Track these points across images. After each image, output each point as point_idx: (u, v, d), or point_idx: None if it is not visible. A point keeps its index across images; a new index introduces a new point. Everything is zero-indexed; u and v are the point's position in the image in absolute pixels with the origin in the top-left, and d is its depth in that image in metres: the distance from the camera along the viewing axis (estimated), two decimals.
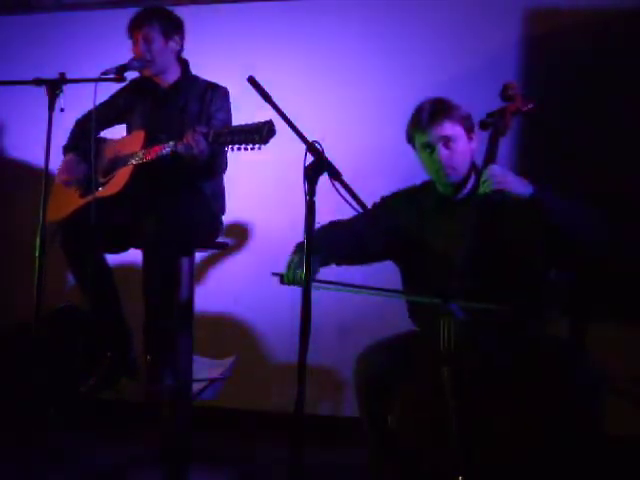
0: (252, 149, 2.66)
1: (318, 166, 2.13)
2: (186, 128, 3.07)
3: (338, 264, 2.63)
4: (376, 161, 3.84)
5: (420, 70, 3.87)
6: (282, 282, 2.44)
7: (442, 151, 2.51)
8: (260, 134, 2.63)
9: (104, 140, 3.35)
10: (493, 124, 2.60)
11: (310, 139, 2.15)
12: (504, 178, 2.37)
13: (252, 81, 2.18)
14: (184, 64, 3.29)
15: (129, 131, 3.34)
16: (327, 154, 2.15)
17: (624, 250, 2.75)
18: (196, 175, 3.11)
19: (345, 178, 2.16)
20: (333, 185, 2.14)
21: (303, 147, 2.14)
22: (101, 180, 3.15)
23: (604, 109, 3.58)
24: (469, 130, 2.56)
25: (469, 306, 2.30)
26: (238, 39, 4.05)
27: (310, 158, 2.14)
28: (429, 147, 2.54)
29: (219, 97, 3.22)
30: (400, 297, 2.69)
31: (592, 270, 2.97)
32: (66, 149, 3.35)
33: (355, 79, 3.96)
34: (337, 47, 3.98)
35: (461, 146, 2.53)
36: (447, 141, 2.51)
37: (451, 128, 2.52)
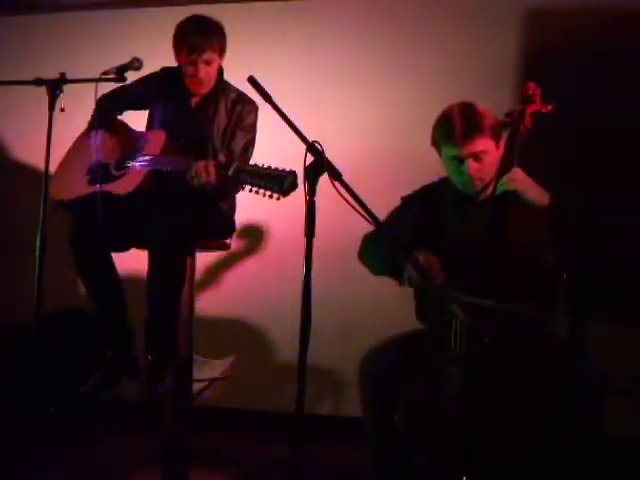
0: (270, 197, 2.53)
1: (318, 166, 2.13)
2: (210, 141, 3.08)
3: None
4: (376, 161, 3.84)
5: (420, 70, 3.87)
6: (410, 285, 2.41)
7: (472, 165, 2.48)
8: (281, 185, 2.50)
9: (125, 126, 3.32)
10: (512, 124, 2.58)
11: (310, 139, 2.15)
12: (524, 182, 2.36)
13: (252, 81, 2.18)
14: (220, 72, 3.25)
15: (149, 125, 3.31)
16: (327, 154, 2.15)
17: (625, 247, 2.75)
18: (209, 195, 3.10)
19: (345, 178, 2.16)
20: (333, 185, 2.13)
21: (303, 147, 2.14)
22: (114, 173, 3.12)
23: (604, 109, 3.59)
24: (498, 138, 2.52)
25: (469, 304, 2.30)
26: (238, 39, 4.05)
27: (310, 158, 2.14)
28: (458, 160, 2.50)
29: (248, 114, 3.18)
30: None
31: (592, 270, 2.97)
32: (93, 125, 3.30)
33: (355, 79, 3.96)
34: (337, 47, 3.99)
35: (491, 158, 2.50)
36: (478, 155, 2.48)
37: (483, 144, 2.47)
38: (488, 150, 2.48)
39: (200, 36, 3.09)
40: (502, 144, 2.55)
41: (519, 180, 2.37)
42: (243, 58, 3.91)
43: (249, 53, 4.00)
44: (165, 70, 3.29)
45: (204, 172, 2.81)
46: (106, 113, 3.20)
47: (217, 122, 3.17)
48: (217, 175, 2.79)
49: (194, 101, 3.23)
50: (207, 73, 3.14)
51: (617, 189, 3.46)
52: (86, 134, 3.31)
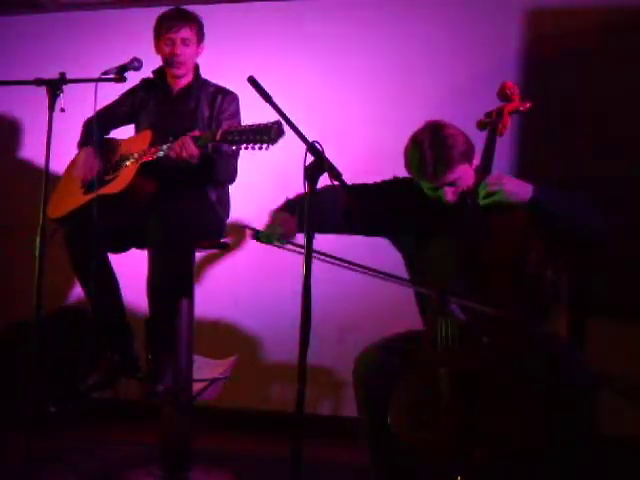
0: (260, 149, 2.69)
1: (318, 166, 2.13)
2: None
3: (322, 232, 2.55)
4: (376, 161, 3.84)
5: (420, 70, 3.87)
6: (255, 238, 2.45)
7: (448, 190, 2.48)
8: (269, 134, 2.65)
9: (113, 139, 3.36)
10: (490, 124, 2.59)
11: (310, 139, 2.15)
12: (499, 186, 2.33)
13: (252, 81, 2.18)
14: (196, 68, 3.33)
15: (137, 131, 3.35)
16: (327, 154, 2.15)
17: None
18: (201, 179, 3.12)
19: (345, 178, 2.16)
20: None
21: (303, 147, 2.14)
22: (106, 178, 3.15)
23: (604, 108, 3.59)
24: (470, 158, 2.50)
25: (470, 307, 2.30)
26: (238, 39, 4.05)
27: (310, 158, 2.14)
28: (433, 189, 2.50)
29: (229, 104, 3.24)
30: (394, 282, 2.58)
31: (592, 269, 2.97)
32: (80, 145, 3.36)
33: (355, 79, 3.96)
34: (337, 47, 3.99)
35: (466, 180, 2.49)
36: (453, 183, 2.47)
37: (456, 174, 2.45)
38: (462, 175, 2.47)
39: (178, 15, 3.23)
40: (474, 157, 2.52)
41: (492, 183, 2.35)
42: (243, 58, 3.94)
43: (249, 53, 4.01)
44: (144, 80, 3.35)
45: (181, 147, 2.89)
46: (91, 133, 3.28)
47: (200, 114, 3.22)
48: (196, 147, 2.90)
49: (174, 98, 3.28)
50: (185, 53, 3.21)
51: (617, 188, 3.46)
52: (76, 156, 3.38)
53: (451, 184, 2.47)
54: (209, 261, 4.07)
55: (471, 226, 2.40)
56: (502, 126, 2.57)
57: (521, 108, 2.62)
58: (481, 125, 2.62)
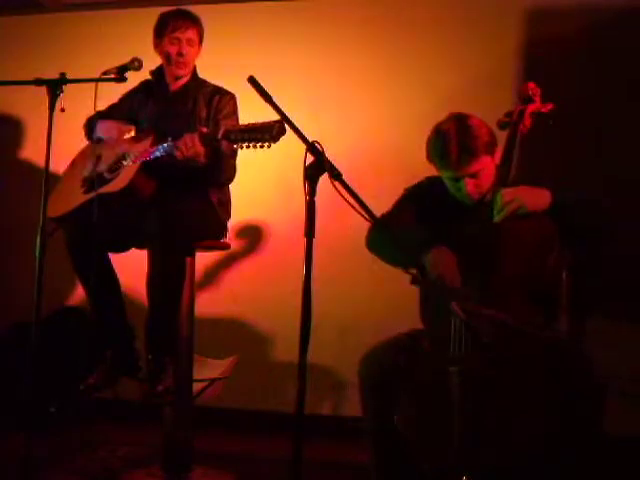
0: (261, 147, 2.68)
1: (318, 166, 2.13)
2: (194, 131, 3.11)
3: None
4: (376, 161, 3.85)
5: (419, 70, 3.88)
6: (415, 283, 2.34)
7: (469, 182, 2.46)
8: (271, 133, 2.64)
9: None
10: (512, 124, 2.57)
11: (310, 139, 2.15)
12: (517, 203, 2.34)
13: (252, 81, 2.18)
14: (193, 68, 3.33)
15: (137, 132, 3.35)
16: (327, 154, 2.15)
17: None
18: (201, 179, 3.12)
19: (345, 178, 2.16)
20: (333, 185, 2.13)
21: (303, 147, 2.14)
22: (107, 176, 3.15)
23: (604, 109, 3.59)
24: (493, 151, 2.49)
25: (471, 309, 2.30)
26: (238, 39, 4.06)
27: (310, 158, 2.14)
28: (455, 179, 2.49)
29: (227, 104, 3.24)
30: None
31: (592, 269, 2.97)
32: (89, 137, 3.38)
33: (355, 79, 3.97)
34: (337, 47, 3.99)
35: (488, 172, 2.48)
36: (475, 175, 2.46)
37: (479, 164, 2.44)
38: (484, 167, 2.46)
39: (183, 16, 3.24)
40: (498, 151, 2.52)
41: (509, 203, 2.34)
42: (243, 58, 3.93)
43: (249, 53, 4.01)
44: (143, 81, 3.37)
45: (185, 145, 2.89)
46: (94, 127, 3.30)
47: (198, 113, 3.23)
48: (202, 145, 2.90)
49: (171, 98, 3.29)
50: (189, 53, 3.23)
51: (616, 188, 3.46)
52: (78, 157, 3.39)
53: (473, 175, 2.45)
54: (209, 260, 4.07)
55: (490, 228, 2.39)
56: (524, 126, 2.57)
57: (543, 110, 2.62)
58: (502, 125, 2.61)
